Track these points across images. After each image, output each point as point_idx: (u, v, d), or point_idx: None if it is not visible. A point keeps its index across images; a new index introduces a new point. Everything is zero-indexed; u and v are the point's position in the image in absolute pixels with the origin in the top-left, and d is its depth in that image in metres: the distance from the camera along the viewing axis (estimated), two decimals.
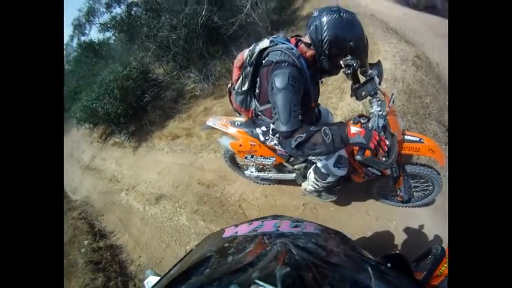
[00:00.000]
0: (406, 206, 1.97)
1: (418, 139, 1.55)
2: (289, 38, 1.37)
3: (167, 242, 2.55)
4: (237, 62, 1.48)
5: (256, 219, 0.65)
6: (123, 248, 2.86)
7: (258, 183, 2.52)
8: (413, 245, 1.80)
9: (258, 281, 0.35)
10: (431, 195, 1.80)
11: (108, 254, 2.76)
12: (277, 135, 1.53)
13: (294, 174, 1.99)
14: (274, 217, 0.67)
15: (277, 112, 1.21)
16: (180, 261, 0.58)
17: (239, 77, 1.48)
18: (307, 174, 1.79)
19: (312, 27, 1.20)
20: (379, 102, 1.36)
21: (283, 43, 1.30)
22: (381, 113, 1.32)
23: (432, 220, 1.90)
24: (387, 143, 1.23)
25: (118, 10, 5.63)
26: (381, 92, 1.42)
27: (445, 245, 1.16)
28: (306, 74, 1.27)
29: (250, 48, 1.40)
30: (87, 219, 3.60)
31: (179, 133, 4.05)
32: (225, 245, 0.54)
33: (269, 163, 1.87)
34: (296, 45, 1.31)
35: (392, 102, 1.40)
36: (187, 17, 4.53)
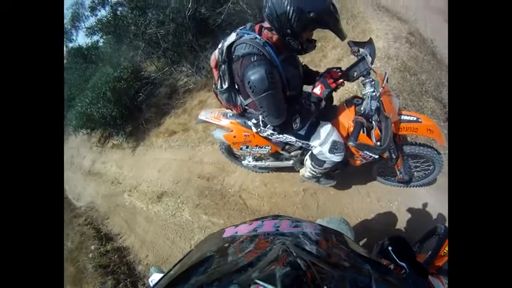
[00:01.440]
0: (407, 186, 1.95)
1: (415, 118, 1.51)
2: (253, 26, 1.27)
3: (172, 239, 2.57)
4: (212, 62, 1.44)
5: (256, 219, 0.65)
6: (130, 248, 2.89)
7: (256, 172, 2.51)
8: (416, 225, 1.79)
9: (258, 281, 0.35)
10: (432, 175, 1.78)
11: (115, 256, 2.80)
12: (268, 126, 1.52)
13: (291, 161, 1.97)
14: (274, 217, 0.68)
15: (265, 111, 1.29)
16: (179, 261, 0.58)
17: (218, 77, 1.45)
18: (304, 161, 1.77)
19: (266, 9, 1.10)
20: (372, 82, 1.32)
21: (247, 34, 1.23)
22: (374, 93, 1.28)
23: (435, 199, 1.88)
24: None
25: (103, 12, 5.42)
26: (374, 71, 1.38)
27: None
28: (275, 62, 1.21)
29: (219, 46, 1.34)
30: (92, 224, 3.64)
31: (176, 129, 4.03)
32: (225, 245, 0.54)
33: (265, 152, 1.85)
34: (260, 33, 1.23)
35: (386, 81, 1.36)
36: (174, 11, 4.41)
